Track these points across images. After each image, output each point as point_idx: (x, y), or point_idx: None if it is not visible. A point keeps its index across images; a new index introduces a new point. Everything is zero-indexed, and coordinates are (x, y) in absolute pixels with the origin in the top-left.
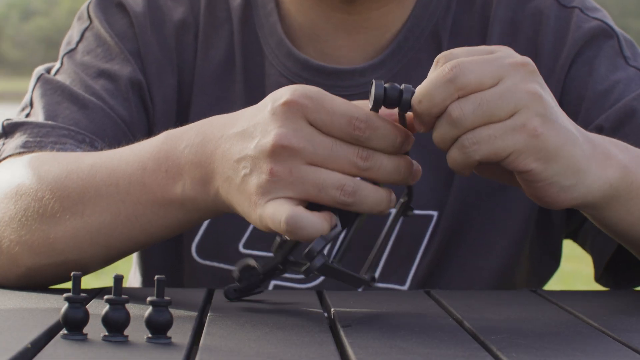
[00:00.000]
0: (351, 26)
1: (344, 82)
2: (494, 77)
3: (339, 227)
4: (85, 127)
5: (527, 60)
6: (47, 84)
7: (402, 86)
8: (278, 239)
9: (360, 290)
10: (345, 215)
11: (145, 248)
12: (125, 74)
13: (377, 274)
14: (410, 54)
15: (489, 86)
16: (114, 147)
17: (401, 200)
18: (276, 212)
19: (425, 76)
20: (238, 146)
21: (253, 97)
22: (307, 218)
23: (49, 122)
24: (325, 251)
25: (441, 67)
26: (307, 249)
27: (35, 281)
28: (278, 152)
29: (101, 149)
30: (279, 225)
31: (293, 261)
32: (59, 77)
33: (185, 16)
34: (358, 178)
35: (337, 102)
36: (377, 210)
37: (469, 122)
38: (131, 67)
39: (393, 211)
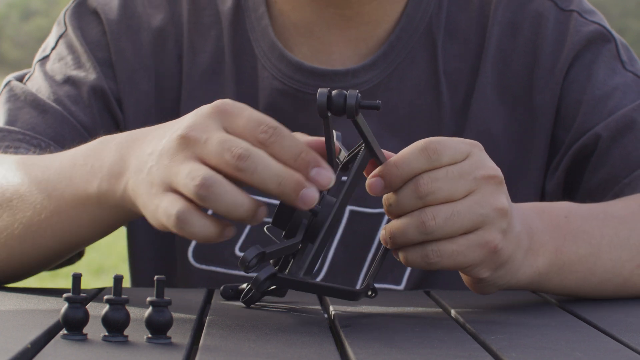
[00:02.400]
0: (343, 21)
1: (337, 84)
2: (465, 191)
3: (286, 243)
4: (42, 132)
5: (496, 172)
6: (12, 91)
7: (348, 92)
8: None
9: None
10: (311, 229)
11: (77, 250)
12: (88, 81)
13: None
14: (404, 54)
15: (459, 198)
16: None
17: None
18: (169, 206)
19: (419, 75)
20: (154, 142)
21: (245, 100)
22: (197, 217)
23: (7, 127)
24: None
25: (416, 183)
26: (242, 256)
27: None
28: (181, 142)
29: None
30: (169, 219)
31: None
32: (29, 84)
33: (164, 23)
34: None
35: (254, 112)
36: (235, 216)
37: (439, 233)
38: (96, 75)
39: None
